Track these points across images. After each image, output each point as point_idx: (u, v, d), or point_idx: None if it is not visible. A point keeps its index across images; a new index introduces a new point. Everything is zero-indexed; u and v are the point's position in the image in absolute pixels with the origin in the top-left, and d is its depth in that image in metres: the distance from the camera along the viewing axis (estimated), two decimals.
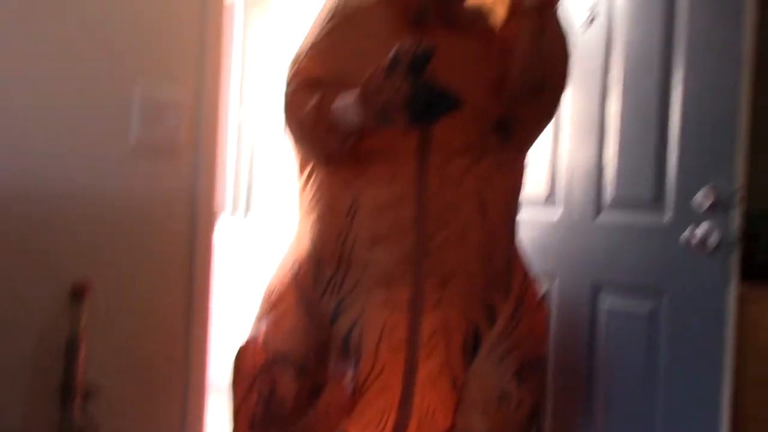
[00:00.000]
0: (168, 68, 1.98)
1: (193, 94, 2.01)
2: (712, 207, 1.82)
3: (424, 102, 1.39)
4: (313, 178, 1.71)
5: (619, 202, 2.08)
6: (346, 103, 1.53)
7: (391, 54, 1.41)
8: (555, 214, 2.24)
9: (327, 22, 1.69)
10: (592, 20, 2.16)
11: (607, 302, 2.09)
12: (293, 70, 1.69)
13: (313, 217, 1.70)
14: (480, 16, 1.75)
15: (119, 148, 1.94)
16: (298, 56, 1.70)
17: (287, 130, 1.69)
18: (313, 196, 1.70)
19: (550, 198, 2.27)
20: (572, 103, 2.21)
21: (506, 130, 1.65)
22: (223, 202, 5.16)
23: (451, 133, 1.59)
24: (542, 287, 2.11)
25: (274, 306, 1.72)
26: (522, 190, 1.79)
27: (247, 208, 5.03)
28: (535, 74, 1.61)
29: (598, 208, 2.12)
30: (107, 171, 1.93)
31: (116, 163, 1.94)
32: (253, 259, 4.20)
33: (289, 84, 1.69)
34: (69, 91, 1.88)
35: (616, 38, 2.10)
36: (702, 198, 1.84)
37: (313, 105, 1.59)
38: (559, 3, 1.59)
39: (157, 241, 2.01)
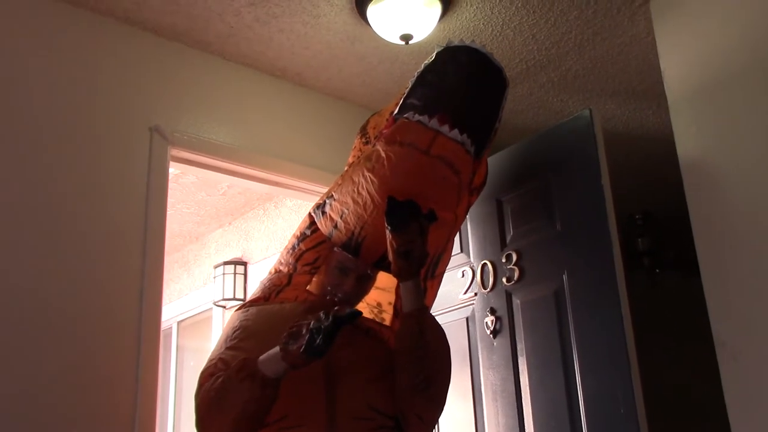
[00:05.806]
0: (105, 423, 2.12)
1: None
2: None
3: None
4: None
5: None
6: (270, 354, 1.60)
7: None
8: None
9: (236, 331, 1.79)
10: (498, 331, 2.43)
11: None
12: (205, 374, 1.72)
13: None
14: (376, 322, 1.93)
15: None
16: (209, 364, 1.75)
17: (206, 411, 1.66)
18: None
19: None
20: (488, 411, 2.39)
21: (400, 427, 1.73)
22: None
23: None
24: None
25: None
26: None
27: None
28: (419, 373, 1.70)
29: None
30: None
31: None
32: None
33: (202, 385, 1.69)
34: None
35: (520, 347, 2.36)
36: None
37: (235, 366, 1.63)
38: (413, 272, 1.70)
39: None
